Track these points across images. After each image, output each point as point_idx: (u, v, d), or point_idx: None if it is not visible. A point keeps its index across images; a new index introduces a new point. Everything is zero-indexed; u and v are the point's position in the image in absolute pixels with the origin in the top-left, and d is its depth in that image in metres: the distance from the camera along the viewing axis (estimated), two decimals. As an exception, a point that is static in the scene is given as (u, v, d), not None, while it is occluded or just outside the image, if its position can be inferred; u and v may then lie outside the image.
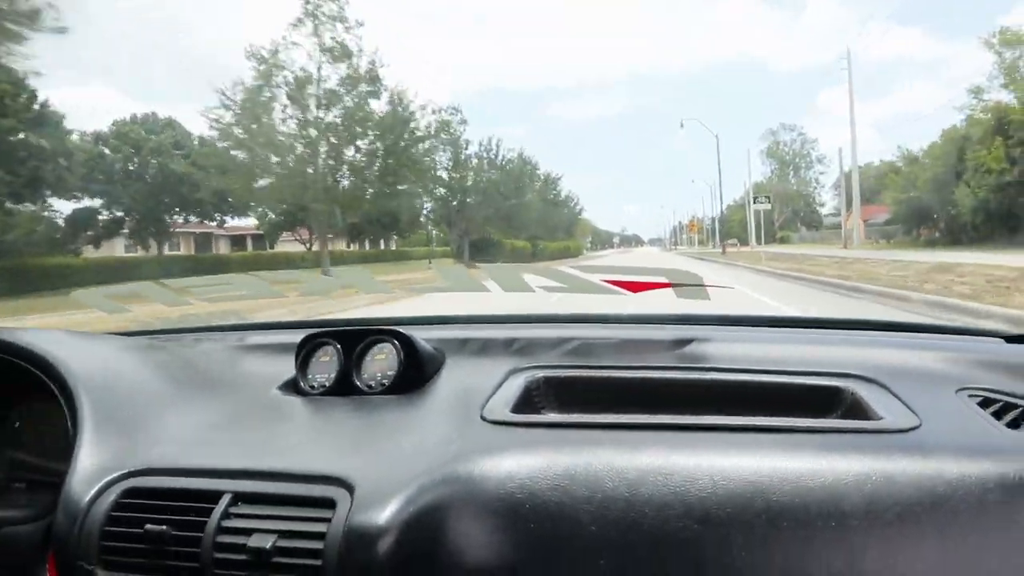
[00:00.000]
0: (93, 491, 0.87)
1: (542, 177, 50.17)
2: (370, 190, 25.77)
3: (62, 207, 29.55)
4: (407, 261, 46.62)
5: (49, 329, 1.16)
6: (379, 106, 25.35)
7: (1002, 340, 1.19)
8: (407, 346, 1.15)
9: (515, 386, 1.05)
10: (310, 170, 24.06)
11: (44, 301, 13.58)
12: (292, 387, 1.18)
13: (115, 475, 0.89)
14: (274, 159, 23.39)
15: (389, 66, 25.72)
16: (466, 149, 36.80)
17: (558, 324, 1.46)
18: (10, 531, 0.97)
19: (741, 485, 0.74)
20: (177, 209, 34.75)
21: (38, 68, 17.47)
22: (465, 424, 0.95)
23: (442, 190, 36.39)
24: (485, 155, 37.62)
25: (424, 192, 35.61)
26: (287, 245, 50.35)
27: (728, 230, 45.06)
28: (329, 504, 0.80)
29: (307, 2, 23.87)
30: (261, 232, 47.82)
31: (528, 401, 1.03)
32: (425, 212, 37.86)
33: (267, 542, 0.78)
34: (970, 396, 0.96)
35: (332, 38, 24.35)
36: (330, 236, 51.85)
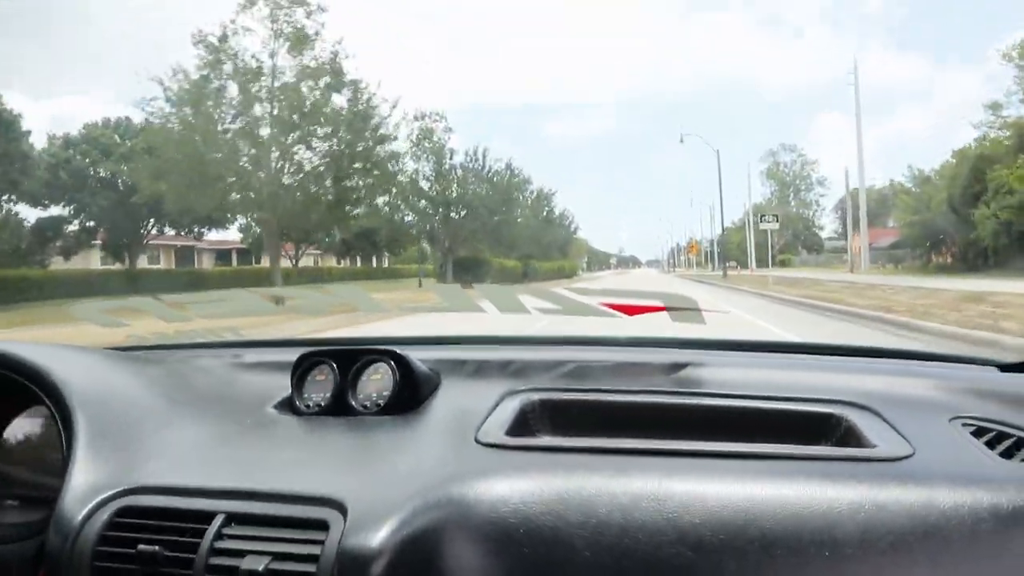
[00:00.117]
0: (86, 509, 0.87)
1: (534, 192, 47.31)
2: (326, 196, 22.42)
3: (30, 215, 27.06)
4: (398, 279, 44.33)
5: (45, 343, 1.16)
6: (341, 101, 22.55)
7: (996, 368, 1.20)
8: (403, 367, 1.16)
9: (510, 409, 1.05)
10: (261, 174, 21.08)
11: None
12: (287, 406, 1.18)
13: (109, 493, 0.89)
14: (217, 157, 20.45)
15: (354, 57, 22.18)
16: (450, 159, 34.35)
17: (554, 346, 1.46)
18: (0, 549, 0.95)
19: (735, 512, 0.74)
20: (152, 220, 32.38)
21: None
22: (459, 446, 0.96)
23: (423, 202, 33.85)
24: (471, 165, 35.04)
25: (404, 203, 33.15)
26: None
27: (727, 252, 43.26)
28: (322, 526, 0.80)
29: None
30: (246, 246, 45.33)
31: (523, 424, 1.04)
32: (408, 226, 35.43)
33: (260, 564, 0.78)
34: (963, 425, 0.96)
35: (289, 22, 21.16)
36: (318, 251, 49.43)
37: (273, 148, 20.85)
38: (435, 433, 1.04)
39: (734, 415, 1.05)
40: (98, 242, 33.01)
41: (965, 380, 1.13)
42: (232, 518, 0.83)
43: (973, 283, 15.92)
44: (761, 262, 53.00)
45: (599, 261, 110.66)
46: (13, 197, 25.32)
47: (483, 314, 1.29)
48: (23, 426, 1.10)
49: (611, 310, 1.25)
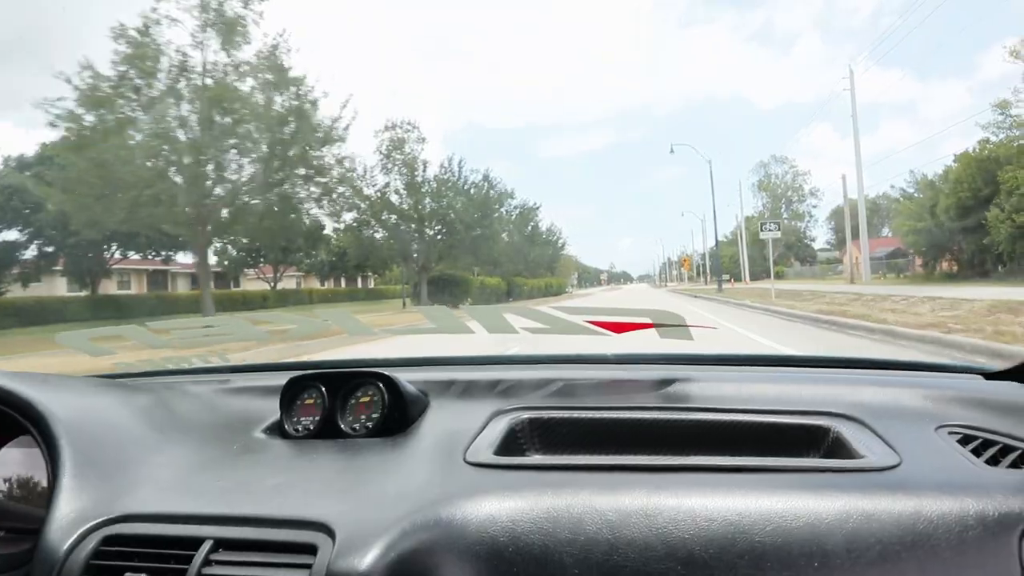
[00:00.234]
0: (72, 539, 0.87)
1: (517, 207, 44.46)
2: (260, 207, 19.47)
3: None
4: (381, 300, 42.13)
5: (29, 372, 1.15)
6: (283, 100, 19.53)
7: (981, 377, 1.21)
8: (391, 389, 1.17)
9: (499, 428, 1.06)
10: (178, 179, 18.26)
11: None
12: (276, 430, 1.18)
13: (94, 522, 0.89)
14: (129, 165, 17.20)
15: (297, 51, 20.65)
16: (424, 171, 31.35)
17: (542, 365, 1.47)
18: None
19: (724, 526, 0.75)
20: (115, 244, 30.13)
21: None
22: (448, 467, 0.96)
23: (392, 217, 30.67)
24: (446, 177, 31.86)
25: (373, 219, 29.99)
26: (253, 283, 45.28)
27: (721, 266, 41.38)
28: (311, 550, 0.80)
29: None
30: (221, 270, 42.95)
31: (512, 443, 1.05)
32: (378, 243, 31.82)
33: None
34: (950, 433, 0.97)
35: (220, 12, 18.33)
36: (299, 273, 47.16)
37: (199, 154, 18.03)
38: (424, 454, 1.04)
39: (722, 429, 1.05)
40: (58, 268, 30.65)
41: (951, 389, 1.14)
42: (220, 543, 0.83)
43: (991, 291, 14.90)
44: (753, 275, 51.27)
45: (590, 277, 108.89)
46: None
47: (471, 335, 1.28)
48: (8, 456, 1.09)
49: (599, 328, 1.25)
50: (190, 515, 0.88)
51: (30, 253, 30.11)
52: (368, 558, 0.76)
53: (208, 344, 1.46)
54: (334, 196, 21.89)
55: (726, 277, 40.50)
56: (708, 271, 64.18)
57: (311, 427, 1.16)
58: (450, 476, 0.94)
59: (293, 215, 21.15)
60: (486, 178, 33.54)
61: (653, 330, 1.24)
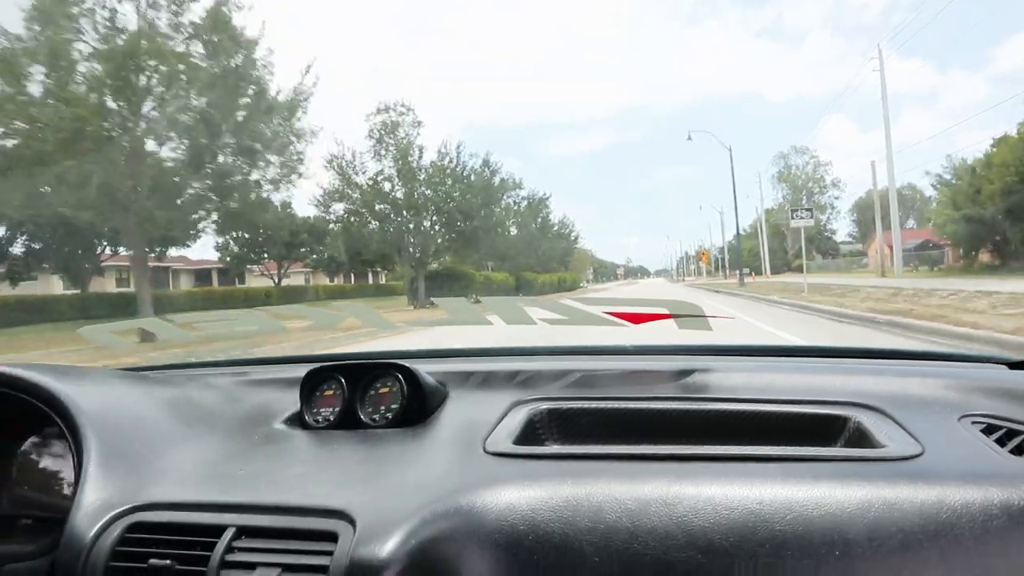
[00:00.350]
0: (97, 526, 0.89)
1: (525, 199, 41.69)
2: (192, 185, 15.81)
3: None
4: (390, 296, 39.89)
5: (54, 365, 1.17)
6: (229, 63, 15.31)
7: (1005, 367, 1.21)
8: (411, 380, 1.18)
9: (518, 418, 1.08)
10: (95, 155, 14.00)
11: None
12: (297, 421, 1.21)
13: (119, 510, 0.91)
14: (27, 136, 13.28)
15: (250, 9, 15.06)
16: (420, 157, 28.29)
17: (561, 356, 1.48)
18: (14, 567, 0.97)
19: (744, 515, 0.75)
20: (104, 240, 28.25)
21: None
22: (468, 457, 0.98)
23: (384, 207, 27.68)
24: (444, 164, 28.51)
25: (366, 208, 27.09)
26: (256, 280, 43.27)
27: (740, 258, 38.95)
28: (332, 537, 0.81)
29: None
30: (224, 266, 41.08)
31: (531, 433, 1.06)
32: (370, 235, 28.52)
33: None
34: (973, 423, 0.97)
35: None
36: (307, 269, 45.25)
37: (123, 122, 14.34)
38: (443, 444, 1.05)
39: (742, 419, 1.06)
40: (46, 266, 28.91)
41: (973, 379, 1.13)
42: (243, 531, 0.85)
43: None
44: (773, 268, 48.73)
45: (607, 272, 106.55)
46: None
47: (489, 326, 1.31)
48: (36, 447, 1.13)
49: (617, 319, 1.26)
50: (213, 503, 0.90)
51: (17, 249, 28.41)
52: (388, 546, 0.77)
53: (229, 339, 1.52)
54: (295, 177, 17.85)
55: (746, 271, 38.03)
56: (727, 265, 61.82)
57: (331, 418, 1.18)
58: (470, 466, 0.94)
59: (238, 197, 17.09)
60: (486, 163, 30.31)
61: (671, 321, 1.25)
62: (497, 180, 30.89)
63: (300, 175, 17.44)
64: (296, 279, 44.66)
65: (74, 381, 1.10)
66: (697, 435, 1.00)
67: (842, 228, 67.03)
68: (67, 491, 0.98)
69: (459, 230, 28.41)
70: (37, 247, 28.49)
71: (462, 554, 0.77)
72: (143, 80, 14.35)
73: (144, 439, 1.05)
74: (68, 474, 1.00)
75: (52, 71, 13.27)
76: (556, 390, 1.21)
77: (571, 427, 1.10)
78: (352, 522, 0.81)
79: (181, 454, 1.04)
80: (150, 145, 15.18)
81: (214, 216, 18.31)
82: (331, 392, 1.21)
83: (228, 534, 0.84)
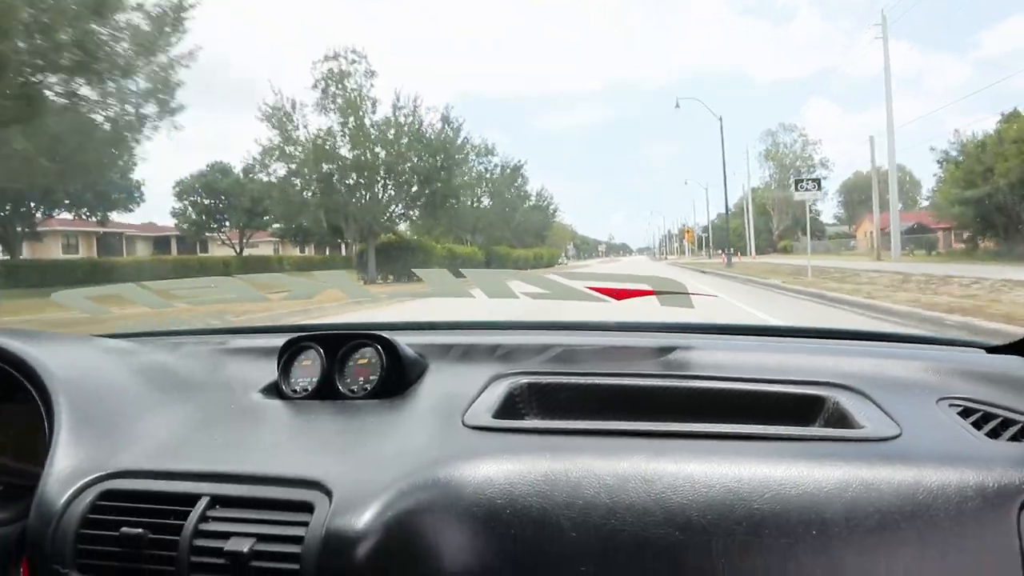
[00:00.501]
0: (68, 493, 0.88)
1: (498, 165, 37.98)
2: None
3: None
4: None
5: (26, 330, 1.16)
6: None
7: (983, 351, 1.23)
8: (390, 351, 1.17)
9: (498, 392, 1.08)
10: None
11: None
12: (274, 391, 1.20)
13: (91, 477, 0.90)
14: None
15: None
16: (373, 111, 24.04)
17: (542, 331, 1.47)
18: None
19: (722, 492, 0.76)
20: (40, 203, 25.15)
21: None
22: (447, 429, 0.98)
23: (328, 167, 23.45)
24: (397, 118, 24.03)
25: (308, 168, 22.88)
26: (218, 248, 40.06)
27: (723, 239, 36.68)
28: (308, 508, 0.81)
29: None
30: (181, 233, 37.92)
31: (510, 407, 1.07)
32: (309, 200, 24.00)
33: (245, 546, 0.79)
34: (951, 406, 0.99)
35: None
36: (274, 239, 42.00)
37: None
38: (422, 416, 1.06)
39: (722, 397, 1.07)
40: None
41: (952, 362, 1.15)
42: (217, 500, 0.85)
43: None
44: (758, 248, 46.65)
45: (588, 249, 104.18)
46: None
47: (469, 299, 1.28)
48: (7, 413, 1.11)
49: (599, 294, 1.25)
50: (187, 472, 0.89)
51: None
52: (365, 517, 0.77)
53: (206, 304, 1.44)
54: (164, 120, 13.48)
55: (730, 250, 35.57)
56: (710, 243, 59.61)
57: (309, 388, 1.17)
58: (448, 438, 0.95)
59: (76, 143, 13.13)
60: (445, 119, 25.76)
61: (654, 299, 1.25)
62: (460, 139, 26.50)
63: (171, 113, 13.12)
64: (265, 249, 41.70)
65: (47, 346, 1.09)
66: (677, 412, 1.00)
67: (827, 210, 65.18)
68: (38, 457, 0.95)
69: (414, 196, 24.71)
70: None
71: (439, 526, 0.77)
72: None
73: (118, 406, 1.04)
74: (39, 440, 0.97)
75: None
76: (536, 364, 1.21)
77: (551, 402, 1.10)
78: (328, 493, 0.81)
79: (155, 422, 1.03)
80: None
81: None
82: (309, 362, 1.20)
83: (202, 503, 0.83)
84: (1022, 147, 21.83)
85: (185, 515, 0.82)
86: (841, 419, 0.96)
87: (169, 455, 0.94)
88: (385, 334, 1.18)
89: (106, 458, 0.92)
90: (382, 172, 23.99)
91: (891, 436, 0.86)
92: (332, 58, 23.54)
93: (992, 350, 1.20)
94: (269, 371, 1.21)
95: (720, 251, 40.19)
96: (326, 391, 1.16)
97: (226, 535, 0.80)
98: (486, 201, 38.06)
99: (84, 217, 31.32)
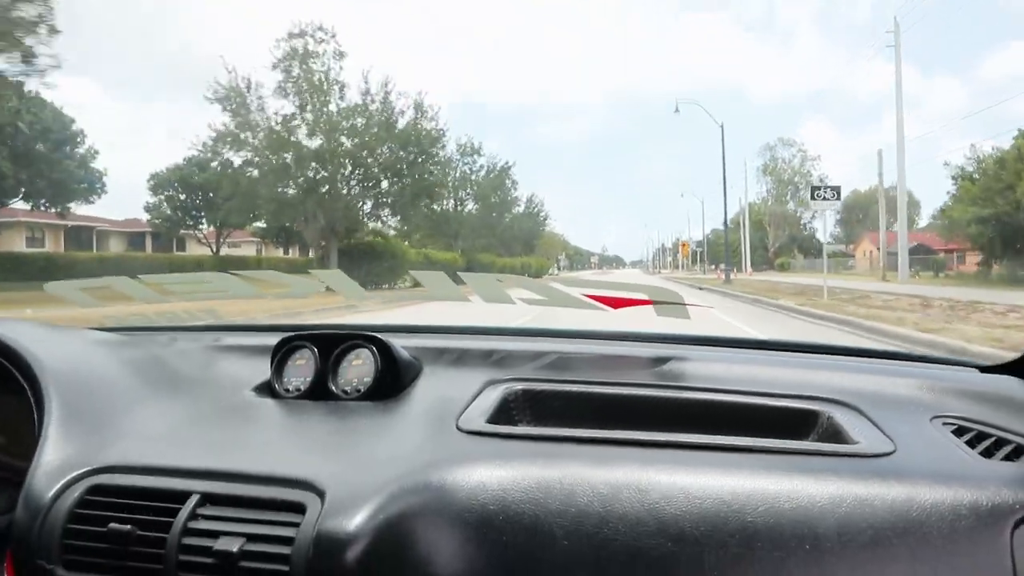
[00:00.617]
0: (56, 487, 0.88)
1: (483, 166, 35.79)
2: None
3: None
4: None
5: (19, 320, 1.15)
6: None
7: (976, 370, 1.24)
8: (384, 353, 1.17)
9: (492, 397, 1.09)
10: None
11: None
12: (267, 390, 1.20)
13: (80, 471, 0.90)
14: None
15: None
16: (340, 97, 21.55)
17: (537, 337, 1.47)
18: None
19: (716, 504, 0.76)
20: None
21: None
22: (440, 433, 0.98)
23: (285, 156, 20.71)
24: (363, 103, 21.43)
25: (272, 156, 20.44)
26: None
27: (717, 254, 34.85)
28: (299, 508, 0.81)
29: None
30: (154, 229, 35.69)
31: (504, 413, 1.07)
32: (264, 195, 21.13)
33: (234, 545, 0.78)
34: (944, 424, 0.99)
35: None
36: (256, 239, 39.87)
37: None
38: (416, 419, 1.06)
39: (717, 409, 1.08)
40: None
41: (947, 381, 1.15)
42: (207, 498, 0.84)
43: None
44: (753, 264, 44.86)
45: (581, 260, 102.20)
46: None
47: (464, 304, 1.30)
48: None
49: (596, 302, 1.25)
50: (177, 468, 0.89)
51: None
52: (357, 519, 0.77)
53: (200, 299, 1.44)
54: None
55: (722, 266, 33.63)
56: (705, 258, 57.86)
57: (302, 388, 1.17)
58: (441, 442, 0.95)
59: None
60: (418, 107, 22.68)
61: (650, 309, 1.26)
62: (436, 130, 23.22)
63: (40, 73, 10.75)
64: (248, 249, 39.56)
65: (39, 338, 1.08)
66: (671, 423, 1.00)
67: (829, 228, 63.50)
68: (27, 451, 0.94)
69: (384, 193, 22.12)
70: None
71: (431, 531, 0.77)
72: None
73: (109, 400, 1.03)
74: (29, 434, 0.97)
75: None
76: (531, 371, 1.22)
77: (545, 409, 1.11)
78: (320, 494, 0.81)
79: (146, 417, 1.02)
80: None
81: None
82: (303, 362, 1.20)
83: (192, 501, 0.83)
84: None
85: (174, 512, 0.82)
86: (835, 434, 0.97)
87: (160, 451, 0.94)
88: (380, 336, 1.18)
89: (95, 452, 0.91)
90: (348, 164, 21.53)
91: (885, 452, 0.86)
92: (297, 35, 21.15)
93: (986, 370, 1.21)
94: (262, 369, 1.21)
95: (714, 266, 38.37)
96: (319, 391, 1.15)
97: (215, 534, 0.79)
98: (471, 205, 35.97)
99: (44, 208, 29.23)
